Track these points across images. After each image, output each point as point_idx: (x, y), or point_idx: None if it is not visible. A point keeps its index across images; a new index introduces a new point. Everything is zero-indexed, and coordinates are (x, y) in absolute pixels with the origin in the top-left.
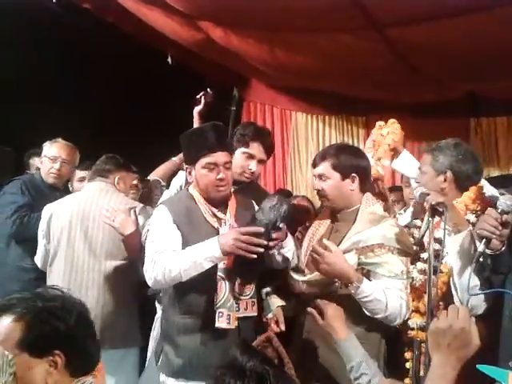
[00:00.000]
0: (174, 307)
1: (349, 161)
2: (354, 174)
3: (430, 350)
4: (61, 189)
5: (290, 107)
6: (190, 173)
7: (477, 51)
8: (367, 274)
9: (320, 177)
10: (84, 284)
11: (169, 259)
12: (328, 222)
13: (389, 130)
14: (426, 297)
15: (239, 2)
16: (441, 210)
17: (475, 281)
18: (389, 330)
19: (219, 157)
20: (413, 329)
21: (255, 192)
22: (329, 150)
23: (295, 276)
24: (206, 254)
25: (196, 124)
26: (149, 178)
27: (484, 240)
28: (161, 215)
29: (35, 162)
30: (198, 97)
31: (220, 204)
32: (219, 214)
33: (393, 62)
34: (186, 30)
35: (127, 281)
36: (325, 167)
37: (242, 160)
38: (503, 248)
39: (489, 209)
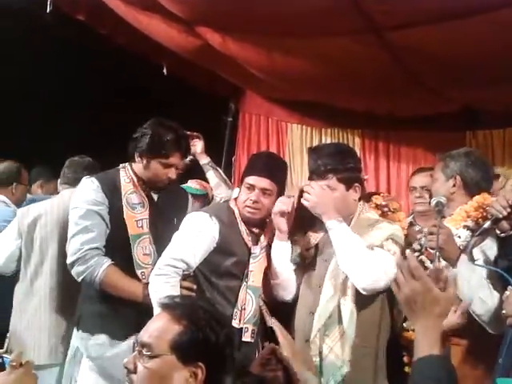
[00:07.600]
0: None
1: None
2: (356, 184)
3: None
4: None
5: (286, 119)
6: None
7: (477, 55)
8: None
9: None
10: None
11: None
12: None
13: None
14: None
15: (237, 7)
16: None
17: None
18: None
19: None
20: (408, 330)
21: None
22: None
23: None
24: None
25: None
26: None
27: (492, 218)
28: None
29: None
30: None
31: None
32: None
33: (392, 67)
34: (184, 37)
35: None
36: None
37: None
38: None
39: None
